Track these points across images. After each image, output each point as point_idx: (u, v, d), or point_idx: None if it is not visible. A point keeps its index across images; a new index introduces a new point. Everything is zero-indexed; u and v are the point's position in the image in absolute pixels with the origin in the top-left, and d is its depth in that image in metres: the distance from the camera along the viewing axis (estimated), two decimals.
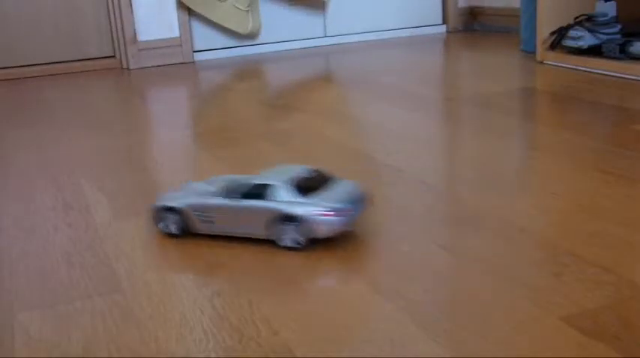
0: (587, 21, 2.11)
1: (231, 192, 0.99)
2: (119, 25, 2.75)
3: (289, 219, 0.95)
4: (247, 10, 2.77)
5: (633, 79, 1.90)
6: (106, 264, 0.98)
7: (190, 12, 2.81)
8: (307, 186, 0.98)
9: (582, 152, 1.31)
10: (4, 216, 1.21)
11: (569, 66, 2.13)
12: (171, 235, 1.04)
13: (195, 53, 2.86)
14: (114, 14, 2.76)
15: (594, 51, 2.09)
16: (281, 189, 0.96)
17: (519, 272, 0.86)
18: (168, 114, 1.91)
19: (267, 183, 0.97)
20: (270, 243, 0.99)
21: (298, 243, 0.95)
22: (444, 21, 3.19)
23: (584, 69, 2.08)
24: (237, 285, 0.88)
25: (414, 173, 1.26)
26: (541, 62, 2.24)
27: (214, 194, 1.02)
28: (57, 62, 2.79)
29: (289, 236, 0.96)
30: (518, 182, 1.18)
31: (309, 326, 0.78)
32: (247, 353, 0.73)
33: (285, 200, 0.95)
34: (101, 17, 2.81)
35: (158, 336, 0.78)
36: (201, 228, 1.01)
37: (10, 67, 2.74)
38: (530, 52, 2.43)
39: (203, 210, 1.00)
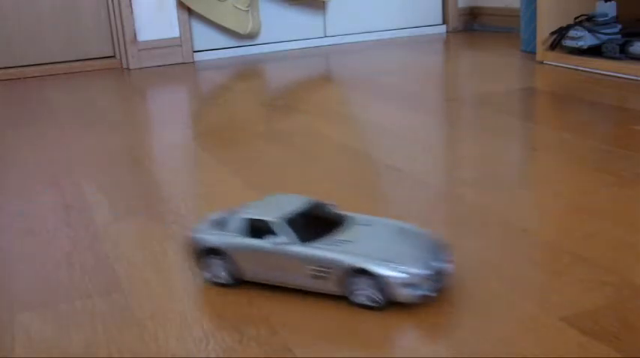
0: (587, 21, 2.11)
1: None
2: (119, 25, 2.75)
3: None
4: (247, 10, 2.77)
5: (633, 79, 1.90)
6: (106, 264, 0.98)
7: (190, 12, 2.81)
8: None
9: (582, 152, 1.31)
10: (4, 216, 1.21)
11: (569, 66, 2.13)
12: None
13: (195, 53, 2.86)
14: (114, 14, 2.76)
15: (594, 51, 2.09)
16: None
17: (520, 272, 0.86)
18: (169, 114, 1.91)
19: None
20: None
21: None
22: (444, 21, 3.18)
23: (584, 69, 2.08)
24: (237, 285, 0.88)
25: (414, 173, 1.26)
26: (541, 62, 2.24)
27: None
28: (57, 62, 2.79)
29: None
30: (518, 182, 1.18)
31: (309, 326, 0.78)
32: (247, 353, 0.73)
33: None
34: (101, 17, 2.80)
35: (158, 336, 0.78)
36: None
37: (10, 67, 2.74)
38: (530, 52, 2.43)
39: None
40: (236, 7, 2.76)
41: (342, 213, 0.89)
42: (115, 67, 2.83)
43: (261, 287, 0.87)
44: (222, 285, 0.87)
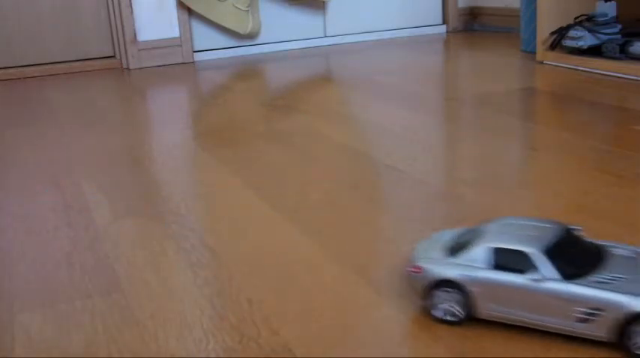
0: (587, 21, 2.11)
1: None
2: (119, 25, 2.75)
3: None
4: (247, 10, 2.77)
5: (633, 79, 1.90)
6: (106, 264, 0.98)
7: (190, 12, 2.81)
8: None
9: (582, 152, 1.31)
10: (4, 216, 1.21)
11: (569, 66, 2.13)
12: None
13: (195, 53, 2.86)
14: (114, 14, 2.76)
15: (594, 51, 2.09)
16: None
17: None
18: (169, 114, 1.91)
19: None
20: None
21: None
22: (444, 21, 3.18)
23: (584, 69, 2.08)
24: (237, 285, 0.88)
25: (414, 173, 1.26)
26: (541, 62, 2.24)
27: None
28: (57, 62, 2.79)
29: None
30: (518, 182, 1.18)
31: (309, 326, 0.78)
32: (247, 353, 0.73)
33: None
34: (101, 17, 2.80)
35: (158, 336, 0.78)
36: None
37: (10, 67, 2.74)
38: (530, 52, 2.43)
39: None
40: (236, 7, 2.76)
41: (595, 241, 0.78)
42: (115, 67, 2.83)
43: (261, 286, 0.87)
44: (450, 323, 0.76)
